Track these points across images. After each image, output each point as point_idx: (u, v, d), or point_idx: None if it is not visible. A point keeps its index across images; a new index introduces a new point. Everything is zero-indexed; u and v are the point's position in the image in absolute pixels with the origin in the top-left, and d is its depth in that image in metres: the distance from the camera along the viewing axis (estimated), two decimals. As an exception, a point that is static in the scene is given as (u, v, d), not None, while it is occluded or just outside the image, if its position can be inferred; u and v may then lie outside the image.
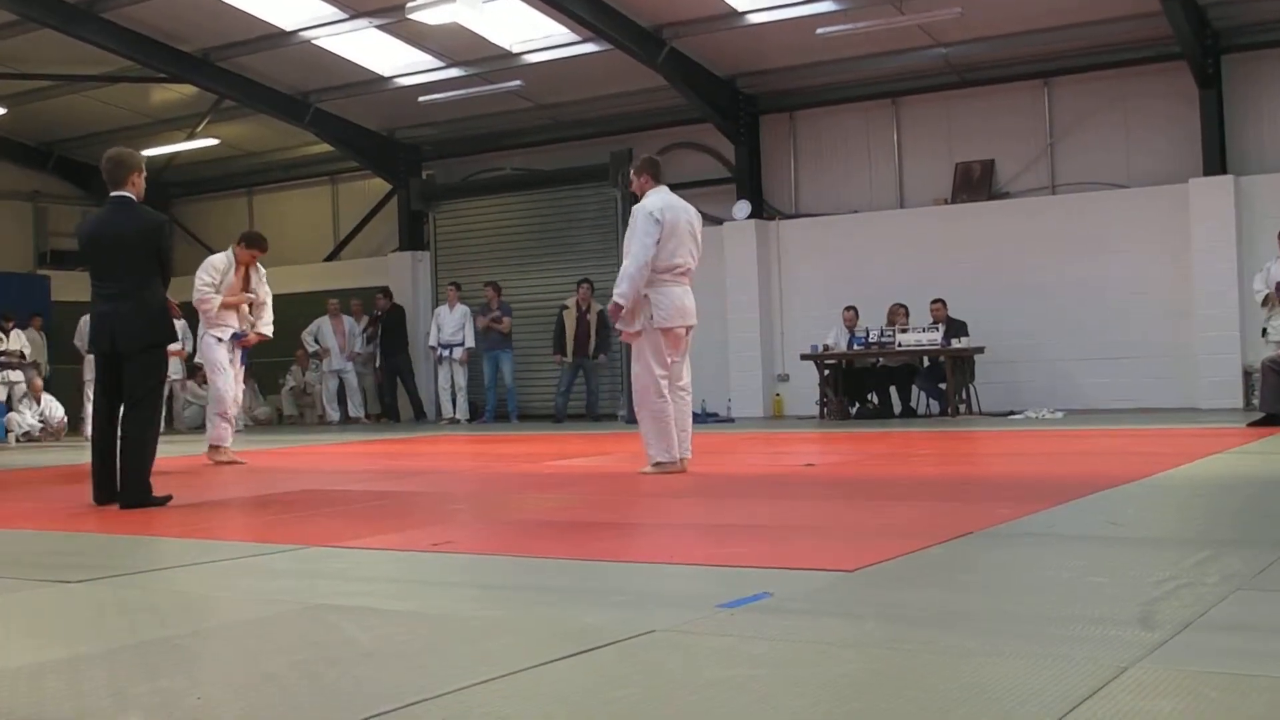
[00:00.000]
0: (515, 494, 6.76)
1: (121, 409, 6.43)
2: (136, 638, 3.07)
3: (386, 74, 15.78)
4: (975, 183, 14.50)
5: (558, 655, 2.68)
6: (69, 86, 16.66)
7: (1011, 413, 13.16)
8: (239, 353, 9.68)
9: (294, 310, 17.46)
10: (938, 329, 13.48)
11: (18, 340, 15.92)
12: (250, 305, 9.71)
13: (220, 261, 9.55)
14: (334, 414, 17.41)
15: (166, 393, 15.02)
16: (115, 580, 4.04)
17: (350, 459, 10.39)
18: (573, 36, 14.36)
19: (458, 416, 16.38)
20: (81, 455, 8.84)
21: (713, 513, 5.63)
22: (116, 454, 6.39)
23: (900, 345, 13.53)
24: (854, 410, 14.04)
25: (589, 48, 14.37)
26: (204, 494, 7.24)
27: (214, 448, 9.46)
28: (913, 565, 3.77)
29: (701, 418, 13.57)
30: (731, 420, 14.68)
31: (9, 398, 15.22)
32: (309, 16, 14.31)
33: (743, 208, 15.33)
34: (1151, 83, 13.68)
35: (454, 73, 15.45)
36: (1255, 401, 11.51)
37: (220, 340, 9.44)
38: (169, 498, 6.37)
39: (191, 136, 17.86)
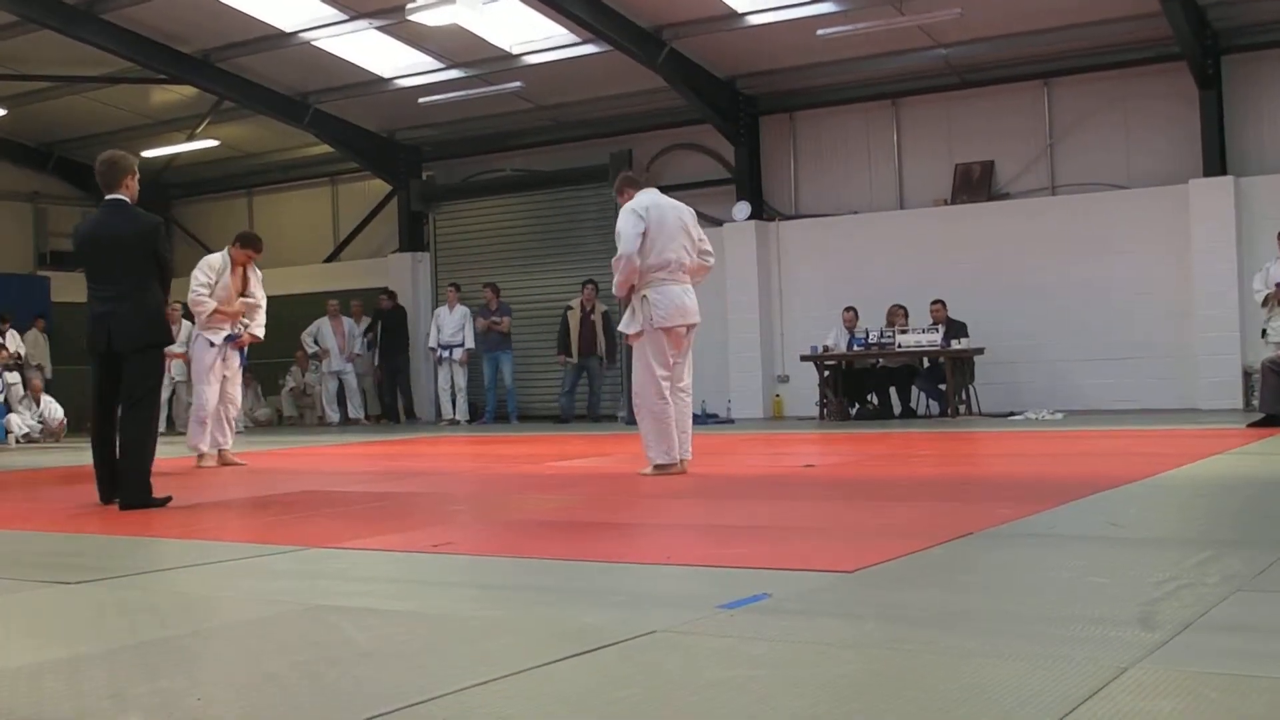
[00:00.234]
0: (515, 495, 6.76)
1: (120, 409, 6.46)
2: (136, 638, 3.07)
3: (386, 75, 15.78)
4: (975, 183, 14.50)
5: (558, 656, 2.68)
6: (69, 87, 16.67)
7: (1011, 414, 13.16)
8: (237, 354, 9.67)
9: (294, 311, 17.46)
10: (938, 330, 13.48)
11: (14, 342, 15.92)
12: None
13: (216, 261, 9.55)
14: (334, 415, 17.41)
15: (169, 395, 15.12)
16: (115, 581, 4.03)
17: (350, 460, 10.38)
18: (573, 38, 14.36)
19: (457, 417, 16.38)
20: (80, 456, 8.85)
21: (712, 513, 5.63)
22: (115, 454, 6.44)
23: (900, 346, 13.53)
24: (854, 411, 14.04)
25: (589, 49, 14.37)
26: (204, 495, 7.24)
27: (198, 454, 9.45)
28: (913, 566, 3.77)
29: (701, 418, 13.57)
30: (731, 421, 14.68)
31: (7, 399, 15.22)
32: (309, 18, 14.31)
33: (743, 209, 15.33)
34: (1151, 83, 13.68)
35: (454, 74, 15.45)
36: (1255, 402, 11.51)
37: (212, 344, 9.43)
38: (168, 499, 6.38)
39: (191, 137, 17.86)
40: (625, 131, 16.31)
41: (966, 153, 14.59)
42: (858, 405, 14.16)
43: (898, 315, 13.90)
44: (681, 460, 7.22)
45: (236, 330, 9.55)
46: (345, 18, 14.14)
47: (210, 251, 10.66)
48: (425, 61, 15.34)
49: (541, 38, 14.60)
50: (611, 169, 15.54)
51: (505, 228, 17.46)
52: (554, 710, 2.26)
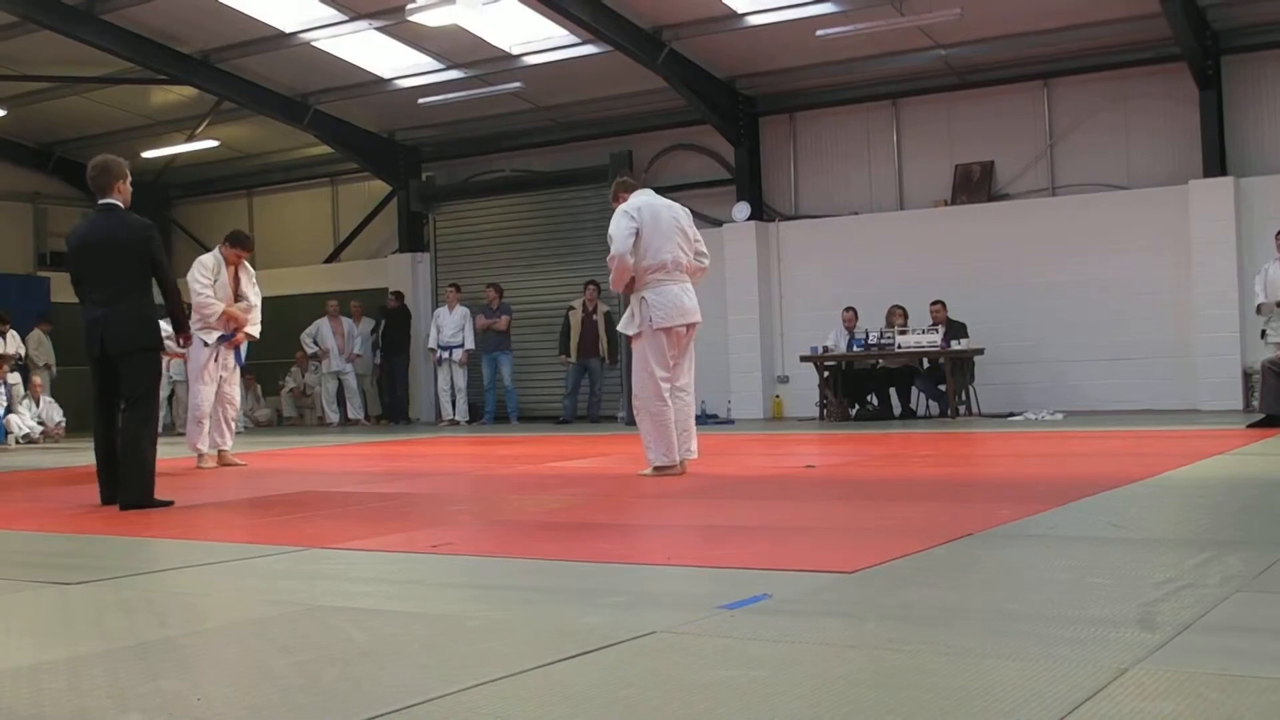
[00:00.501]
0: (515, 495, 6.76)
1: (121, 410, 6.50)
2: (136, 638, 3.07)
3: (386, 76, 15.78)
4: (975, 184, 14.51)
5: (558, 656, 2.68)
6: (69, 88, 16.67)
7: (1011, 414, 13.16)
8: (234, 353, 9.67)
9: (294, 312, 17.49)
10: (937, 330, 13.48)
11: (14, 343, 15.92)
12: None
13: (209, 261, 9.56)
14: (333, 416, 17.42)
15: (168, 395, 15.11)
16: (115, 581, 4.04)
17: (350, 460, 10.39)
18: (572, 38, 14.37)
19: (457, 418, 16.38)
20: (80, 457, 8.85)
21: (713, 514, 5.63)
22: (117, 454, 6.49)
23: (900, 347, 13.53)
24: (854, 412, 14.04)
25: (589, 49, 14.37)
26: (204, 495, 7.24)
27: (197, 454, 9.45)
28: (913, 566, 3.77)
29: (701, 419, 13.55)
30: (731, 422, 14.68)
31: (9, 400, 15.21)
32: (308, 18, 14.32)
33: (742, 209, 15.33)
34: (1151, 84, 13.68)
35: (454, 74, 15.45)
36: (1255, 403, 11.51)
37: (206, 344, 9.43)
38: (170, 503, 6.40)
39: (191, 138, 17.87)
40: (625, 132, 16.31)
41: (966, 153, 14.60)
42: (858, 406, 14.16)
43: (896, 316, 13.91)
44: (682, 460, 7.22)
45: (230, 330, 9.54)
46: (345, 18, 14.14)
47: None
48: (425, 62, 15.35)
49: (541, 38, 14.60)
50: (611, 169, 15.55)
51: (505, 228, 17.46)
52: (554, 710, 2.26)
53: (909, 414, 13.92)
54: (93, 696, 2.46)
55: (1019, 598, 3.28)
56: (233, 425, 9.87)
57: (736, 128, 15.46)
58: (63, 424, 15.39)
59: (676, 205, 7.44)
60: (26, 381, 15.81)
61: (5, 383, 15.11)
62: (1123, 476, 6.21)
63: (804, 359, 14.25)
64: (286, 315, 17.15)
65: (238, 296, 9.57)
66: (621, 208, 7.23)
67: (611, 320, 15.53)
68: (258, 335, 9.81)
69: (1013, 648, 2.61)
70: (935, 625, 2.92)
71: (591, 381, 15.71)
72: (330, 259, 19.22)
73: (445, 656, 2.78)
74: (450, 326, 16.50)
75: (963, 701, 2.20)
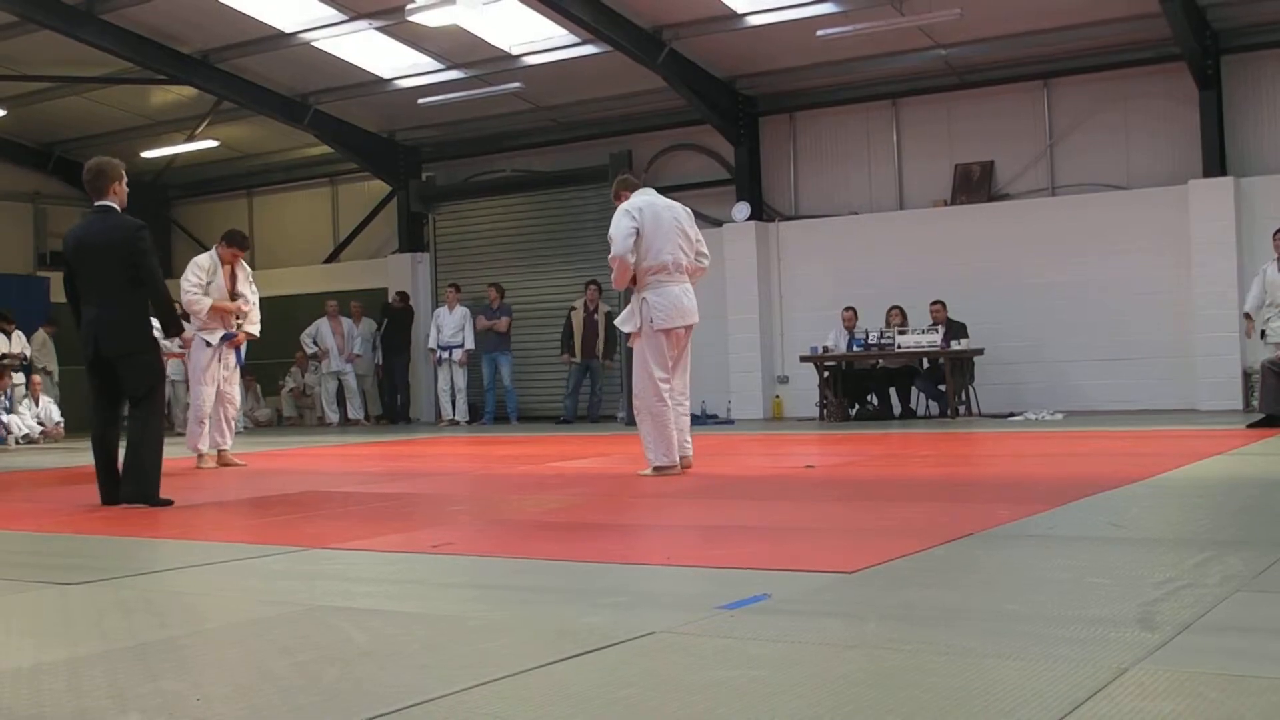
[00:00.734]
0: (515, 495, 6.76)
1: (124, 410, 6.54)
2: (136, 638, 3.07)
3: (386, 76, 15.78)
4: (975, 184, 14.51)
5: (558, 656, 2.68)
6: (69, 88, 16.67)
7: (1011, 414, 13.16)
8: (234, 353, 9.67)
9: (294, 312, 17.49)
10: (937, 330, 13.48)
11: (19, 343, 15.94)
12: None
13: (205, 261, 9.56)
14: (333, 416, 17.42)
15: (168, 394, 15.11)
16: (115, 581, 4.04)
17: (349, 461, 10.39)
18: (572, 38, 14.37)
19: (457, 418, 16.38)
20: (80, 457, 8.85)
21: (712, 514, 5.63)
22: (116, 455, 6.53)
23: (900, 347, 13.53)
24: (854, 412, 14.04)
25: (589, 49, 14.37)
26: (204, 495, 7.24)
27: (197, 455, 9.46)
28: (913, 566, 3.77)
29: (701, 419, 13.56)
30: (731, 422, 14.68)
31: (10, 400, 15.22)
32: (308, 18, 14.32)
33: (742, 209, 15.34)
34: (1151, 84, 13.68)
35: (454, 74, 15.45)
36: (1255, 403, 11.52)
37: (209, 345, 9.43)
38: (169, 502, 6.43)
39: (191, 138, 17.86)
40: (625, 132, 16.32)
41: (966, 153, 14.60)
42: (857, 406, 14.16)
43: (895, 317, 13.91)
44: (683, 458, 7.22)
45: (231, 330, 9.55)
46: (345, 18, 14.14)
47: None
48: (425, 62, 15.35)
49: (541, 38, 14.60)
50: (611, 169, 15.55)
51: (505, 228, 17.46)
52: (554, 710, 2.26)
53: (909, 414, 13.92)
54: (93, 697, 2.46)
55: (1019, 598, 3.28)
56: (233, 425, 9.88)
57: (736, 128, 15.46)
58: (61, 424, 15.38)
59: (677, 205, 7.44)
60: (28, 381, 15.81)
61: (10, 383, 15.11)
62: (1122, 476, 6.21)
63: (804, 359, 14.25)
64: (286, 315, 17.15)
65: (233, 296, 9.57)
66: (623, 207, 7.23)
67: (612, 320, 15.53)
68: (258, 334, 9.81)
69: (1013, 648, 2.61)
70: (935, 625, 2.92)
71: (593, 381, 15.72)
72: (330, 259, 19.22)
73: (445, 656, 2.78)
74: (450, 326, 16.50)
75: (963, 701, 2.20)
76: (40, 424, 15.26)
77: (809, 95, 15.36)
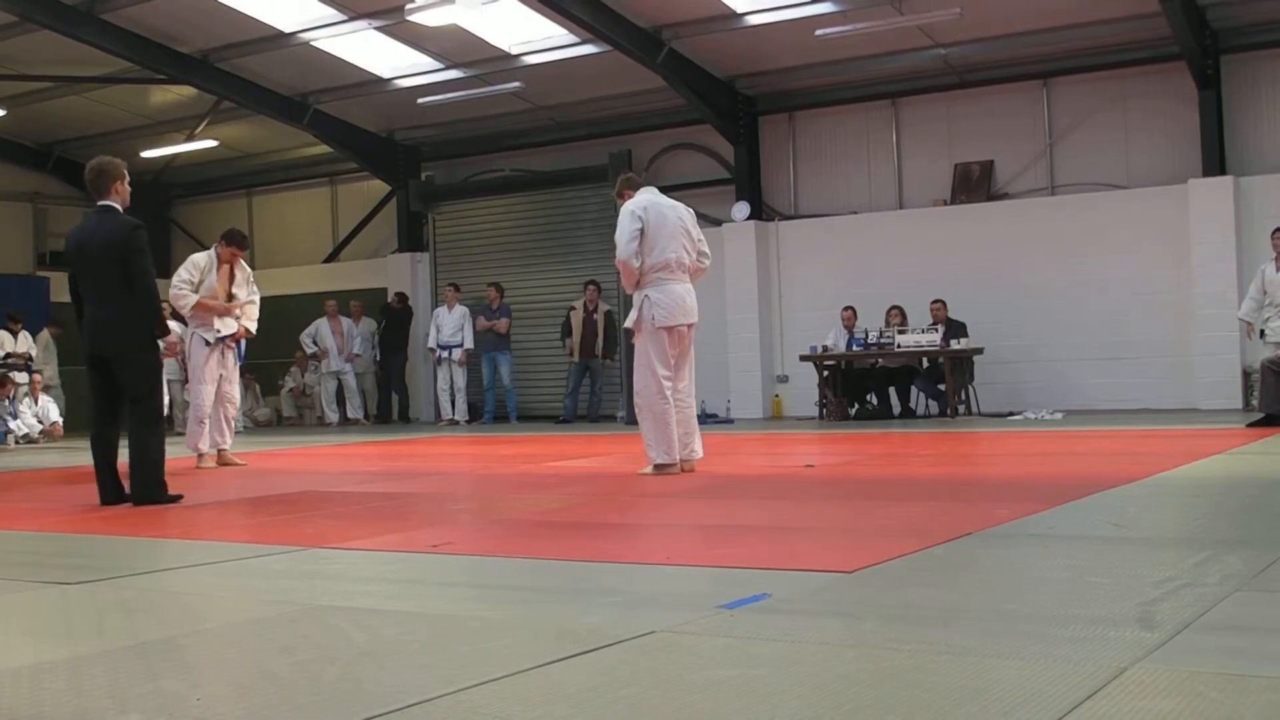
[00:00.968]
0: (514, 495, 6.76)
1: (125, 410, 6.57)
2: (136, 638, 3.07)
3: (386, 75, 15.78)
4: (974, 183, 14.51)
5: (558, 656, 2.68)
6: (68, 88, 16.67)
7: (1011, 413, 13.16)
8: (232, 353, 9.66)
9: (293, 311, 17.49)
10: (937, 330, 13.48)
11: (25, 342, 15.97)
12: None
13: (201, 259, 9.56)
14: (333, 415, 17.42)
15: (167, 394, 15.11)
16: (115, 581, 4.04)
17: (349, 460, 10.39)
18: (572, 38, 14.37)
19: (457, 418, 16.38)
20: (80, 457, 8.84)
21: (712, 513, 5.63)
22: (115, 454, 6.55)
23: (899, 346, 13.53)
24: (853, 411, 14.04)
25: (588, 49, 14.37)
26: (204, 495, 7.24)
27: (197, 454, 9.46)
28: (913, 566, 3.77)
29: (701, 419, 13.52)
30: (731, 421, 14.68)
31: (13, 401, 15.21)
32: (308, 18, 14.31)
33: (742, 209, 15.34)
34: (1151, 83, 13.68)
35: (453, 74, 15.45)
36: (1254, 402, 11.52)
37: (208, 344, 9.43)
38: (179, 497, 6.49)
39: (191, 138, 17.86)
40: (625, 131, 16.32)
41: (966, 153, 14.60)
42: (857, 405, 14.16)
43: (894, 316, 13.91)
44: (684, 460, 7.23)
45: (229, 328, 9.53)
46: (345, 18, 14.13)
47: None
48: (424, 62, 15.35)
49: (541, 38, 14.60)
50: (611, 169, 15.55)
51: (505, 228, 17.46)
52: (554, 710, 2.26)
53: (908, 413, 13.92)
54: (93, 696, 2.46)
55: (1018, 597, 3.28)
56: (233, 424, 9.87)
57: (736, 127, 15.46)
58: (59, 423, 15.38)
59: (680, 205, 7.46)
60: (29, 380, 15.81)
61: (14, 383, 15.12)
62: (1122, 476, 6.21)
63: (803, 358, 14.25)
64: (286, 315, 17.15)
65: (230, 296, 9.56)
66: (628, 207, 7.24)
67: (612, 319, 15.55)
68: (254, 330, 9.80)
69: (1012, 647, 2.61)
70: (935, 625, 2.92)
71: (592, 381, 15.72)
72: (330, 259, 19.22)
73: (445, 656, 2.78)
74: (449, 326, 16.50)
75: (962, 701, 2.20)
76: (39, 422, 15.26)
77: (808, 95, 15.36)
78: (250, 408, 17.33)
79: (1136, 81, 13.76)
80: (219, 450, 9.59)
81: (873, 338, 13.75)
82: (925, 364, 13.82)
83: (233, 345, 9.61)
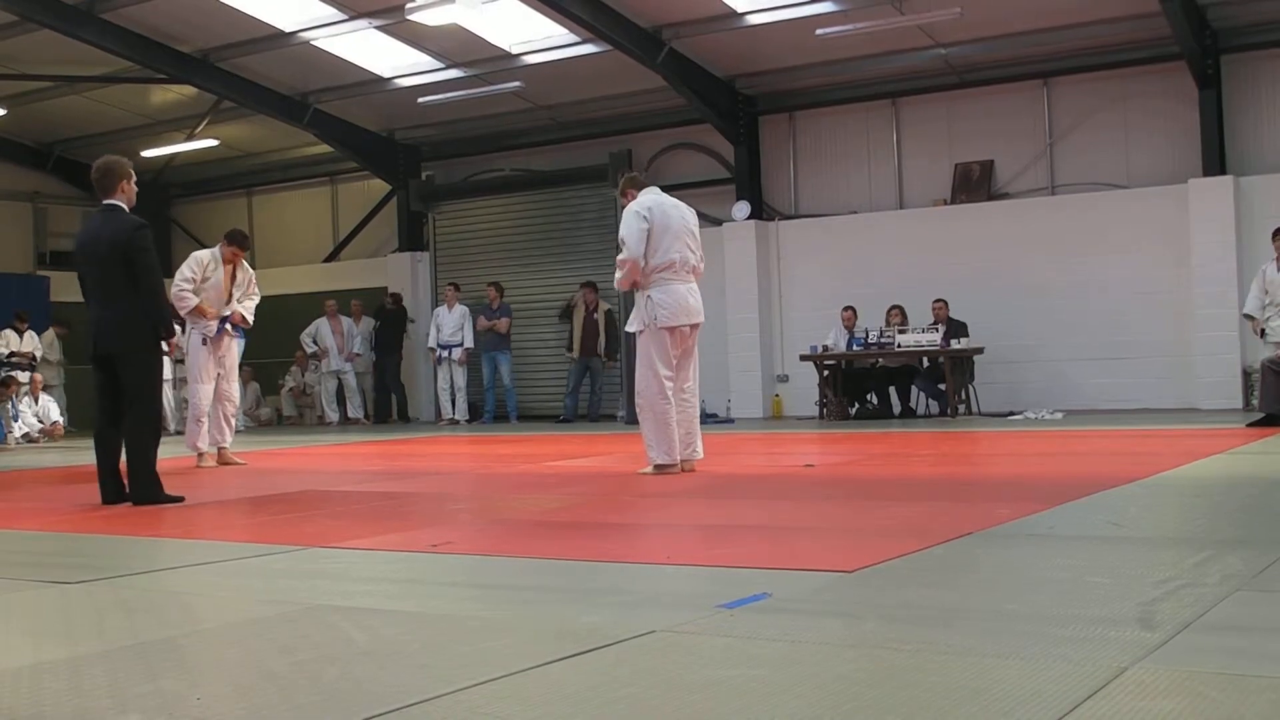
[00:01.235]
0: (515, 494, 6.76)
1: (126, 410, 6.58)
2: (136, 638, 3.07)
3: (386, 75, 15.78)
4: (975, 183, 14.51)
5: (558, 655, 2.68)
6: (68, 87, 16.66)
7: (1011, 413, 13.16)
8: (231, 352, 9.65)
9: (293, 311, 17.49)
10: (938, 329, 13.48)
11: (30, 342, 15.98)
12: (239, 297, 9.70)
13: (205, 257, 9.56)
14: (333, 415, 17.42)
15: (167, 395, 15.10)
16: (115, 581, 4.04)
17: (349, 460, 10.38)
18: (572, 37, 14.36)
19: (457, 417, 16.38)
20: (80, 456, 8.85)
21: (712, 513, 5.63)
22: (118, 454, 6.56)
23: (900, 346, 13.53)
24: (853, 411, 14.04)
25: (588, 48, 14.37)
26: (204, 495, 7.24)
27: (197, 453, 9.46)
28: (913, 565, 3.77)
29: (701, 418, 13.52)
30: (731, 421, 14.68)
31: (14, 402, 15.21)
32: (308, 17, 14.31)
33: (742, 208, 15.34)
34: (1151, 83, 13.68)
35: (453, 74, 15.45)
36: (1255, 402, 11.52)
37: (205, 341, 9.42)
38: (181, 498, 6.48)
39: (191, 137, 17.86)
40: (625, 131, 16.31)
41: (966, 152, 14.60)
42: (857, 405, 14.16)
43: (894, 316, 13.91)
44: (684, 461, 7.23)
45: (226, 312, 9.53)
46: (345, 17, 14.13)
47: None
48: (425, 61, 15.34)
49: (541, 37, 14.60)
50: (611, 169, 15.56)
51: (505, 228, 17.46)
52: (554, 710, 2.26)
53: (908, 413, 13.92)
54: (93, 696, 2.46)
55: (1018, 597, 3.28)
56: (232, 423, 9.87)
57: (736, 127, 15.45)
58: (60, 423, 15.38)
59: (683, 205, 7.47)
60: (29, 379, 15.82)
61: (18, 384, 15.13)
62: (1122, 476, 6.21)
63: (804, 358, 14.26)
64: (286, 315, 17.15)
65: (230, 295, 9.57)
66: (633, 208, 7.23)
67: (613, 319, 15.55)
68: (250, 320, 9.79)
69: (1012, 647, 2.61)
70: (935, 625, 2.92)
71: (593, 380, 15.72)
72: (330, 258, 19.22)
73: (445, 656, 2.78)
74: (450, 325, 16.51)
75: (962, 701, 2.20)
76: (39, 421, 15.25)
77: (809, 94, 15.36)
78: (251, 406, 17.33)
79: (1136, 81, 13.76)
80: (219, 449, 9.59)
81: (873, 337, 13.75)
82: (925, 364, 13.82)
83: (232, 333, 9.60)
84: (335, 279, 18.66)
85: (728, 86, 15.31)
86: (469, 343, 16.38)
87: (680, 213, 7.33)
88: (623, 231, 7.23)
